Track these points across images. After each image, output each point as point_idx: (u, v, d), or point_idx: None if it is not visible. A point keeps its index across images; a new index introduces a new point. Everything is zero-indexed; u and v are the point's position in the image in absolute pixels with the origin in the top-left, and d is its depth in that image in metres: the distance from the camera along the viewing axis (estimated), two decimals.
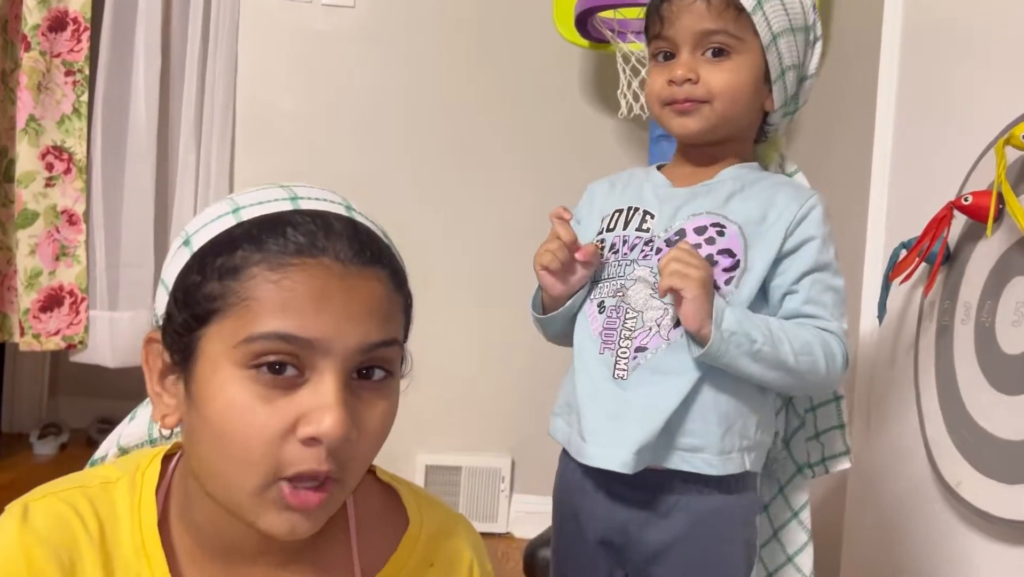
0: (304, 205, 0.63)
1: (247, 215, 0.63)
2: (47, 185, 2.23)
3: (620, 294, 1.03)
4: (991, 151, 1.27)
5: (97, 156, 2.26)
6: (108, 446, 0.88)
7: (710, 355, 0.95)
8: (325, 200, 0.65)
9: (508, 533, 2.28)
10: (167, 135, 2.33)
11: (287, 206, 0.63)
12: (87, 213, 2.25)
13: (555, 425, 1.12)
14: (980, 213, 1.26)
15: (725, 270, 1.00)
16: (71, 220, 2.24)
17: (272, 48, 2.29)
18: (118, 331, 2.27)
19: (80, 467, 0.79)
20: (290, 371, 0.59)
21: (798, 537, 1.13)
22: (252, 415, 0.58)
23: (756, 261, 1.00)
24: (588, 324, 1.06)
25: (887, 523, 1.57)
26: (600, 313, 1.04)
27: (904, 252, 1.44)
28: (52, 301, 2.23)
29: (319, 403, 0.58)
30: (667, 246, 1.01)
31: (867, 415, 1.66)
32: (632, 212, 1.08)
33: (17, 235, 2.21)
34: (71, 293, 2.24)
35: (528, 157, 2.30)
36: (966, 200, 1.30)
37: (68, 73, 2.24)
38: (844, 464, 1.13)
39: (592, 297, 1.07)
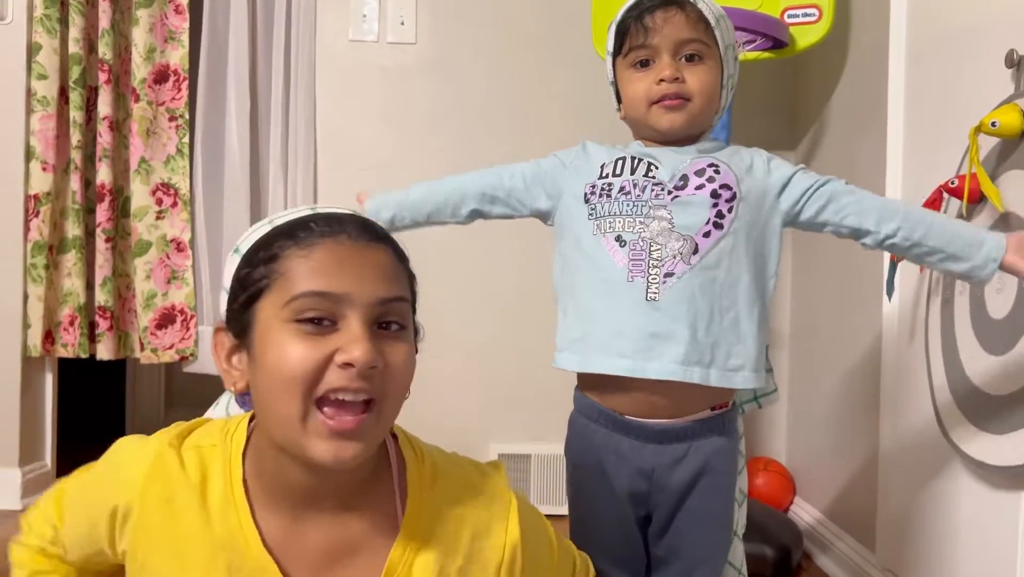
0: (321, 211, 0.82)
1: (279, 222, 0.82)
2: (158, 218, 2.53)
3: (639, 231, 1.14)
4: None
5: (199, 190, 2.55)
6: None
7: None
8: (337, 208, 0.84)
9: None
10: (258, 168, 2.59)
11: (308, 213, 0.82)
12: (192, 241, 2.54)
13: (565, 360, 1.21)
14: (962, 194, 1.41)
15: (727, 201, 1.15)
16: (179, 247, 2.54)
17: (346, 85, 2.55)
18: None
19: None
20: (326, 322, 0.75)
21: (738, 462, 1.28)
22: (297, 351, 0.74)
23: (750, 193, 1.17)
24: (608, 256, 1.16)
25: (912, 486, 1.70)
26: (622, 247, 1.15)
27: None
28: (166, 319, 2.53)
29: (350, 339, 0.74)
30: (676, 190, 1.15)
31: (893, 388, 1.80)
32: (637, 161, 1.19)
33: (134, 263, 2.51)
34: (182, 312, 2.53)
35: None
36: (952, 183, 1.44)
37: (171, 119, 2.54)
38: (775, 399, 1.29)
39: (604, 231, 1.17)
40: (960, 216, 1.48)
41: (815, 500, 2.31)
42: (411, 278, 0.84)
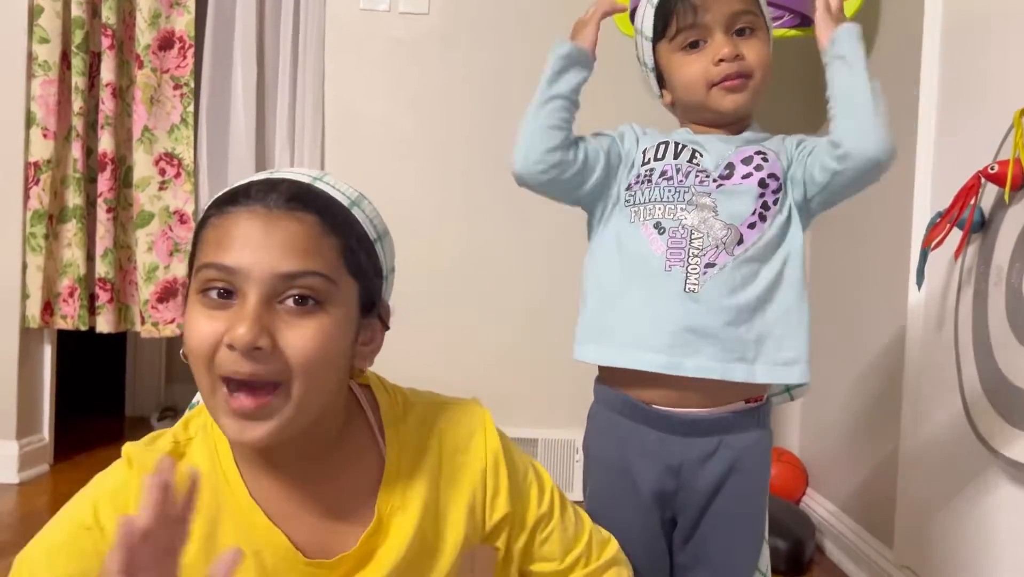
0: (274, 175, 0.80)
1: (233, 186, 0.80)
2: (160, 188, 2.47)
3: (680, 218, 1.08)
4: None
5: (203, 160, 2.49)
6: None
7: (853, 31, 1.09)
8: (295, 172, 0.81)
9: (583, 501, 2.41)
10: (264, 139, 2.53)
11: (258, 178, 0.80)
12: (196, 213, 2.48)
13: (587, 352, 1.14)
14: (1003, 180, 1.34)
15: (773, 192, 1.09)
16: (182, 219, 2.48)
17: (355, 55, 2.48)
18: None
19: None
20: (230, 296, 0.74)
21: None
22: (199, 326, 0.73)
23: (787, 183, 1.11)
24: (647, 244, 1.09)
25: (935, 482, 1.64)
26: (661, 234, 1.08)
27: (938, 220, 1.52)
28: (167, 293, 2.47)
29: (239, 317, 0.72)
30: (721, 179, 1.09)
31: (917, 380, 1.73)
32: (681, 147, 1.13)
33: (136, 234, 2.46)
34: (184, 285, 2.48)
35: None
36: (992, 169, 1.37)
37: (176, 87, 2.48)
38: (806, 391, 1.21)
39: (643, 218, 1.10)
40: (1001, 203, 1.42)
41: (829, 493, 2.25)
42: (352, 248, 0.78)
